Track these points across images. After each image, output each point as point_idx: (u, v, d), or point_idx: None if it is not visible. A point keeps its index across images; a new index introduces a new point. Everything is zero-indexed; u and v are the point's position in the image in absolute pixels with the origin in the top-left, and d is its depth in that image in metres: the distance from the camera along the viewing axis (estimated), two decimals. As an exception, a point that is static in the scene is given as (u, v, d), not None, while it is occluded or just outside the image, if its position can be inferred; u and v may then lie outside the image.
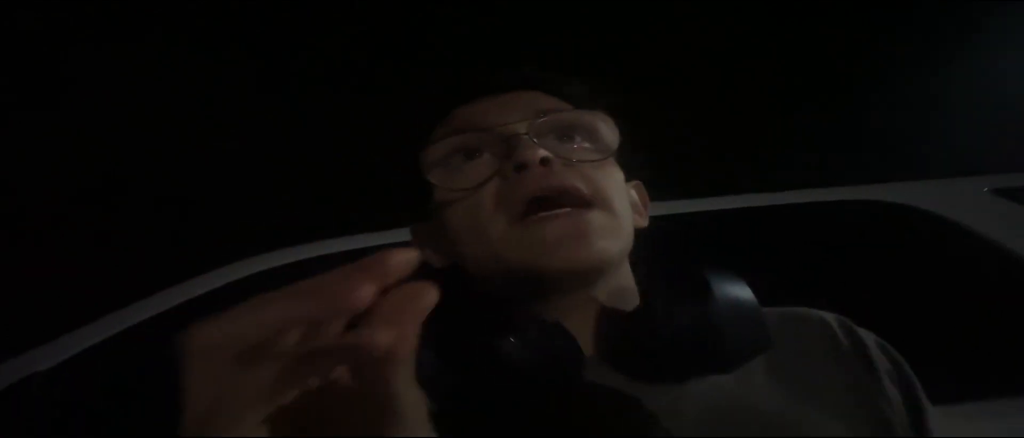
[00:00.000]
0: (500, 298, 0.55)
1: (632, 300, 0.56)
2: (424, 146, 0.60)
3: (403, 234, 1.63)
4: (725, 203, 1.66)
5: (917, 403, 0.54)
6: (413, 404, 0.29)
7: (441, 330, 0.47)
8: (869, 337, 0.58)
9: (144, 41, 3.43)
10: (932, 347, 1.23)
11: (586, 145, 0.59)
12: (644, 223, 0.64)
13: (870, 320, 0.60)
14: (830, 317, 0.60)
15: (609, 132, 0.60)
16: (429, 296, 0.27)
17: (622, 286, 0.58)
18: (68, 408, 1.44)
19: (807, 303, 0.61)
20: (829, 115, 3.88)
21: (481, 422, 0.49)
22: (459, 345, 0.50)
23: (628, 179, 0.64)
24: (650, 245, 0.62)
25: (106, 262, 3.00)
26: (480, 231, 0.55)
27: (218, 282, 1.58)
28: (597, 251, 0.52)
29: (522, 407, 0.49)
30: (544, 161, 0.54)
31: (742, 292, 0.52)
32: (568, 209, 0.53)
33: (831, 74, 3.94)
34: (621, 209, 0.57)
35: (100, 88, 3.43)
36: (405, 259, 0.26)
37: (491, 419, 0.49)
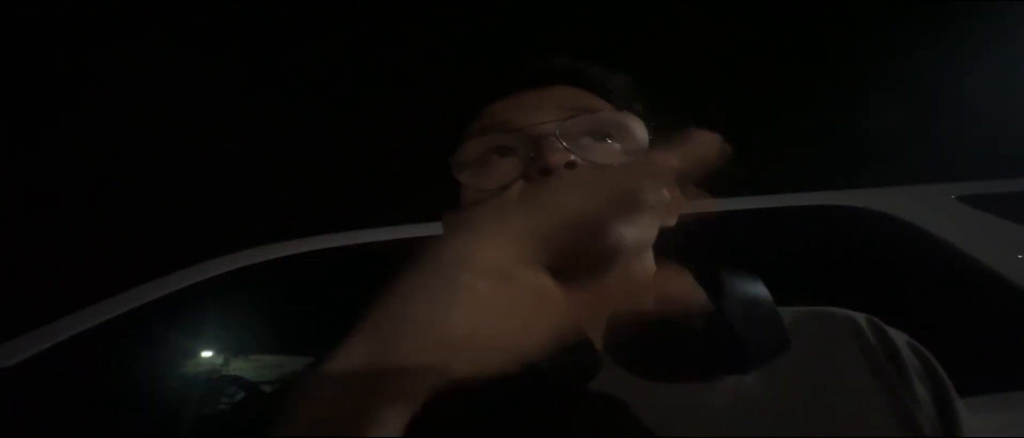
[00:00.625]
0: None
1: (648, 298, 0.56)
2: (456, 141, 0.60)
3: (407, 230, 1.63)
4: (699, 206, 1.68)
5: (949, 405, 0.53)
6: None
7: None
8: (900, 337, 0.57)
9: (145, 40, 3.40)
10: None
11: (617, 146, 0.58)
12: (671, 222, 0.63)
13: None
14: (859, 317, 0.59)
15: (641, 133, 0.59)
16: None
17: (640, 282, 0.57)
18: (37, 405, 1.42)
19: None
20: (806, 122, 3.94)
21: (494, 421, 0.49)
22: None
23: None
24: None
25: (89, 258, 2.97)
26: None
27: (188, 281, 1.57)
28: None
29: (535, 407, 0.48)
30: (570, 165, 0.53)
31: (757, 291, 0.51)
32: None
33: (810, 82, 4.00)
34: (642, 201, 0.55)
35: (100, 87, 3.40)
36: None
37: (504, 418, 0.49)
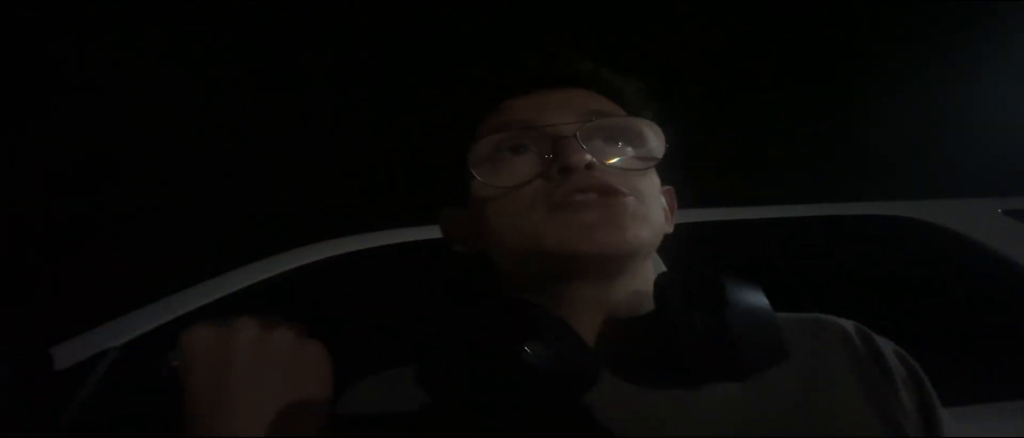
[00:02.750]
0: (517, 299, 0.55)
1: (647, 305, 0.55)
2: (471, 137, 0.60)
3: (404, 234, 1.67)
4: (748, 214, 1.77)
5: (932, 412, 0.53)
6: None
7: (456, 328, 0.52)
8: (887, 346, 0.58)
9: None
10: (943, 353, 1.35)
11: (630, 150, 0.59)
12: (669, 229, 0.64)
13: (887, 325, 0.60)
14: (848, 324, 0.59)
15: (655, 140, 0.60)
16: None
17: (639, 289, 0.57)
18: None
19: (828, 310, 0.62)
20: (852, 135, 3.93)
21: (490, 423, 0.50)
22: (474, 345, 0.49)
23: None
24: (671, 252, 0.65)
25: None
26: (517, 222, 0.55)
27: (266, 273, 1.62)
28: (630, 236, 0.53)
29: (531, 410, 0.49)
30: (589, 166, 0.54)
31: (757, 300, 0.51)
32: (604, 198, 0.54)
33: (861, 96, 3.99)
34: (654, 207, 0.58)
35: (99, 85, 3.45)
36: None
37: (500, 420, 0.50)
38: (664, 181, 0.65)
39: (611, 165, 0.56)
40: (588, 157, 0.54)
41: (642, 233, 0.54)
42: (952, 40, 4.00)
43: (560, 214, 0.53)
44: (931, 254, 1.68)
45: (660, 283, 0.53)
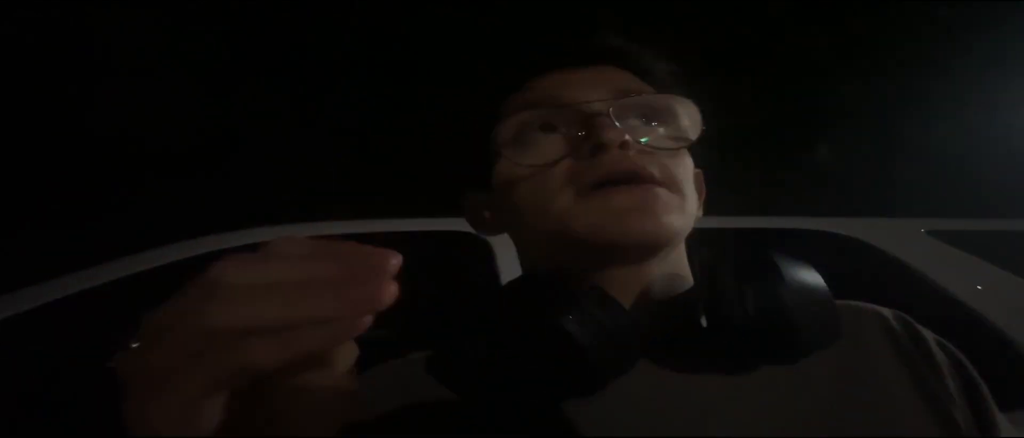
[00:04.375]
0: (552, 273, 0.52)
1: (682, 285, 0.55)
2: (495, 116, 0.57)
3: (402, 224, 1.65)
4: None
5: (982, 402, 0.52)
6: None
7: (492, 306, 0.50)
8: (929, 334, 0.56)
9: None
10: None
11: (662, 130, 0.56)
12: (701, 214, 0.61)
13: None
14: (887, 312, 0.57)
15: (688, 119, 0.57)
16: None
17: (674, 271, 0.55)
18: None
19: None
20: (794, 152, 4.05)
21: (529, 399, 0.48)
22: (513, 319, 0.48)
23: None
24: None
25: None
26: (547, 204, 0.52)
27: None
28: (664, 223, 0.50)
29: (573, 392, 0.46)
30: (623, 145, 0.51)
31: (814, 278, 0.48)
32: (636, 185, 0.51)
33: (801, 113, 4.12)
34: (689, 193, 0.55)
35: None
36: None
37: (538, 397, 0.48)
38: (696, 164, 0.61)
39: (645, 144, 0.53)
40: (622, 135, 0.51)
41: (675, 221, 0.52)
42: (896, 65, 4.18)
43: (592, 197, 0.51)
44: (854, 270, 1.71)
45: (706, 259, 0.51)
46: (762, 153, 3.97)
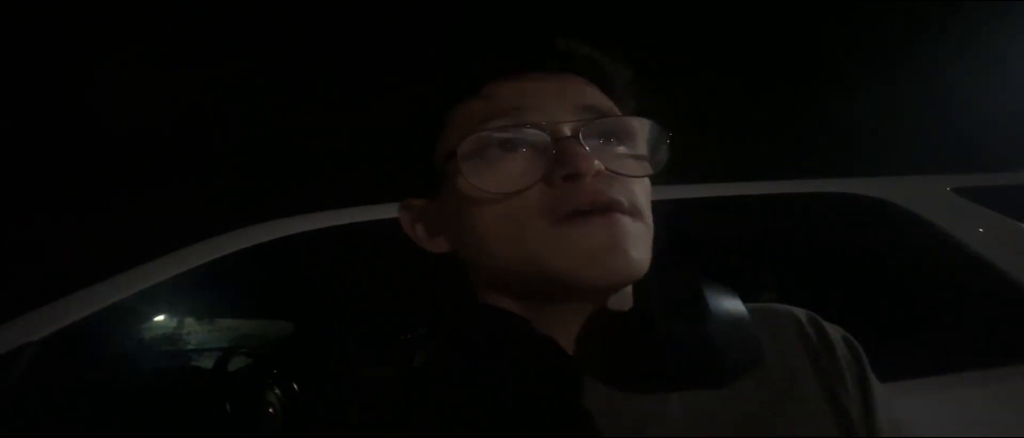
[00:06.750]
0: (494, 307, 0.54)
1: (627, 302, 0.54)
2: (446, 123, 0.55)
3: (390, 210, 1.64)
4: (697, 192, 1.72)
5: (869, 392, 0.55)
6: None
7: (436, 331, 0.51)
8: (837, 333, 0.59)
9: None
10: (890, 328, 1.36)
11: (623, 149, 0.55)
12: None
13: (835, 301, 0.62)
14: (801, 313, 0.60)
15: (649, 139, 0.56)
16: None
17: (623, 292, 0.55)
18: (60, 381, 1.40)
19: (779, 286, 0.63)
20: (807, 110, 3.99)
21: (468, 425, 0.49)
22: (452, 348, 0.50)
23: None
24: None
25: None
26: (517, 234, 0.50)
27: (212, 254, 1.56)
28: (635, 261, 0.50)
29: (506, 413, 0.48)
30: (596, 173, 0.50)
31: (735, 307, 0.50)
32: (607, 215, 0.50)
33: (814, 69, 4.04)
34: (649, 219, 0.55)
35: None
36: None
37: (477, 422, 0.49)
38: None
39: (613, 171, 0.52)
40: (597, 164, 0.50)
41: (644, 257, 0.52)
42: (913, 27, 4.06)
43: (564, 231, 0.49)
44: (880, 231, 1.68)
45: (641, 289, 0.52)
46: (768, 114, 3.91)
